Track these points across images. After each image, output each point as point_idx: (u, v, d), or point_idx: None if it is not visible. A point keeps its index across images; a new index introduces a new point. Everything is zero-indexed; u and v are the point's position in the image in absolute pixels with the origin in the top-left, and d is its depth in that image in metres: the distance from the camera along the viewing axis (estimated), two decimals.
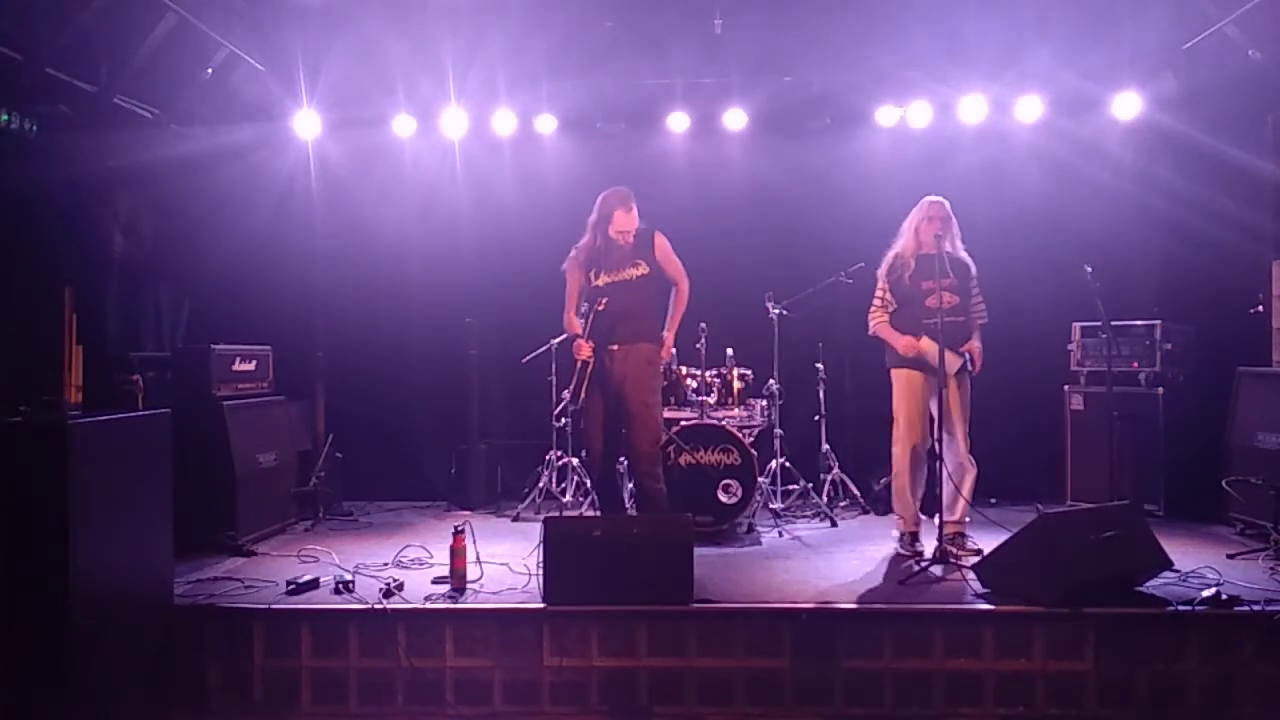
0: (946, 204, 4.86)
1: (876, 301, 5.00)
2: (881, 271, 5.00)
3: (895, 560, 4.86)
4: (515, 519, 6.06)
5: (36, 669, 3.31)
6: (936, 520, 4.74)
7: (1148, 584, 4.19)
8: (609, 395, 4.80)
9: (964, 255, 4.88)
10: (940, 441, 4.68)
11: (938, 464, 4.77)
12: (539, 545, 4.21)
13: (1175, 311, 6.16)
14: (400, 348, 6.92)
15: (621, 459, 5.17)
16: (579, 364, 4.78)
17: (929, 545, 4.76)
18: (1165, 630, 3.87)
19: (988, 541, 4.63)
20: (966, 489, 4.79)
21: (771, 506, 5.92)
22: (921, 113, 6.58)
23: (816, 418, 6.30)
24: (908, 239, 4.90)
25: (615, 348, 4.79)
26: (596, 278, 4.85)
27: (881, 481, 6.17)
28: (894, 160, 6.65)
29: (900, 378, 4.93)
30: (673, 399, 5.84)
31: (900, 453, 4.93)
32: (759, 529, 5.63)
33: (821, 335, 6.34)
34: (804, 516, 6.03)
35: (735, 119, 6.65)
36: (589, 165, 6.81)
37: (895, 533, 5.08)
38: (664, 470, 5.40)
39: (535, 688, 3.95)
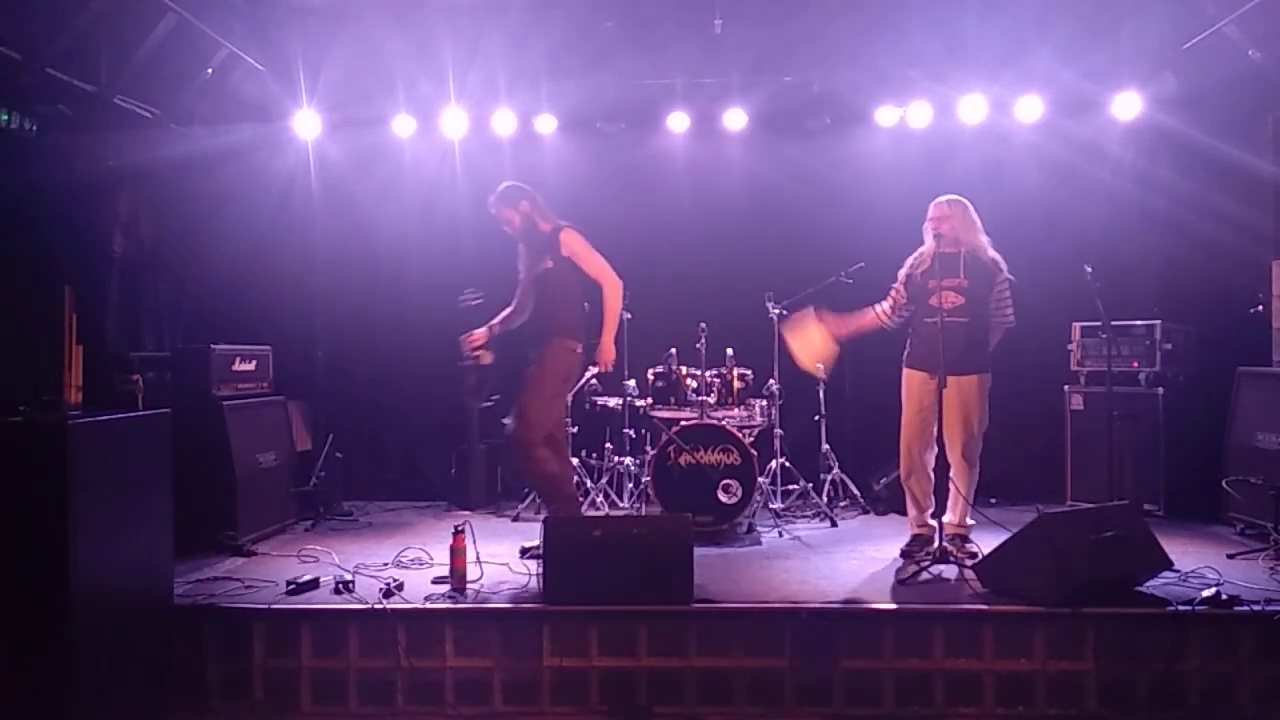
0: (945, 204, 4.84)
1: (891, 294, 5.00)
2: (903, 269, 4.98)
3: (895, 560, 4.86)
4: (515, 519, 6.06)
5: (36, 669, 3.30)
6: (938, 521, 4.74)
7: (1148, 584, 4.19)
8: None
9: (989, 255, 4.83)
10: (942, 442, 4.67)
11: (945, 464, 4.74)
12: (539, 545, 4.21)
13: (1175, 311, 6.16)
14: (400, 348, 6.92)
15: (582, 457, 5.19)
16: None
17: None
18: (1165, 630, 3.87)
19: (988, 541, 4.62)
20: (962, 495, 4.78)
21: (771, 506, 5.93)
22: (921, 113, 6.58)
23: (816, 418, 6.30)
24: (927, 240, 4.91)
25: (531, 343, 4.92)
26: (522, 271, 4.99)
27: (881, 481, 6.18)
28: (894, 160, 6.65)
29: (905, 376, 4.94)
30: (673, 399, 5.85)
31: (901, 450, 4.93)
32: (759, 529, 5.63)
33: None
34: (804, 516, 6.03)
35: (735, 119, 6.65)
36: (589, 165, 6.82)
37: None
38: (665, 470, 5.43)
39: (535, 688, 3.95)
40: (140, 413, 4.01)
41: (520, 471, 4.90)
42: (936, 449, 4.79)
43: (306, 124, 6.62)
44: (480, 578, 4.43)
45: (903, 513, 5.17)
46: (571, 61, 6.32)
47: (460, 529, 4.42)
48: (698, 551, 4.19)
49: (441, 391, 6.85)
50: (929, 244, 4.87)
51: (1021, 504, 6.06)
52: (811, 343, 4.99)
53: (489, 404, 5.04)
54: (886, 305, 4.99)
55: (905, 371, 4.94)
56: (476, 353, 4.96)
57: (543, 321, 4.90)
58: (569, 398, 6.16)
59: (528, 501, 6.23)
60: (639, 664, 3.95)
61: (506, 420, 4.93)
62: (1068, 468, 6.25)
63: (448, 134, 6.74)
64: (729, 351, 5.96)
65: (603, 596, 4.00)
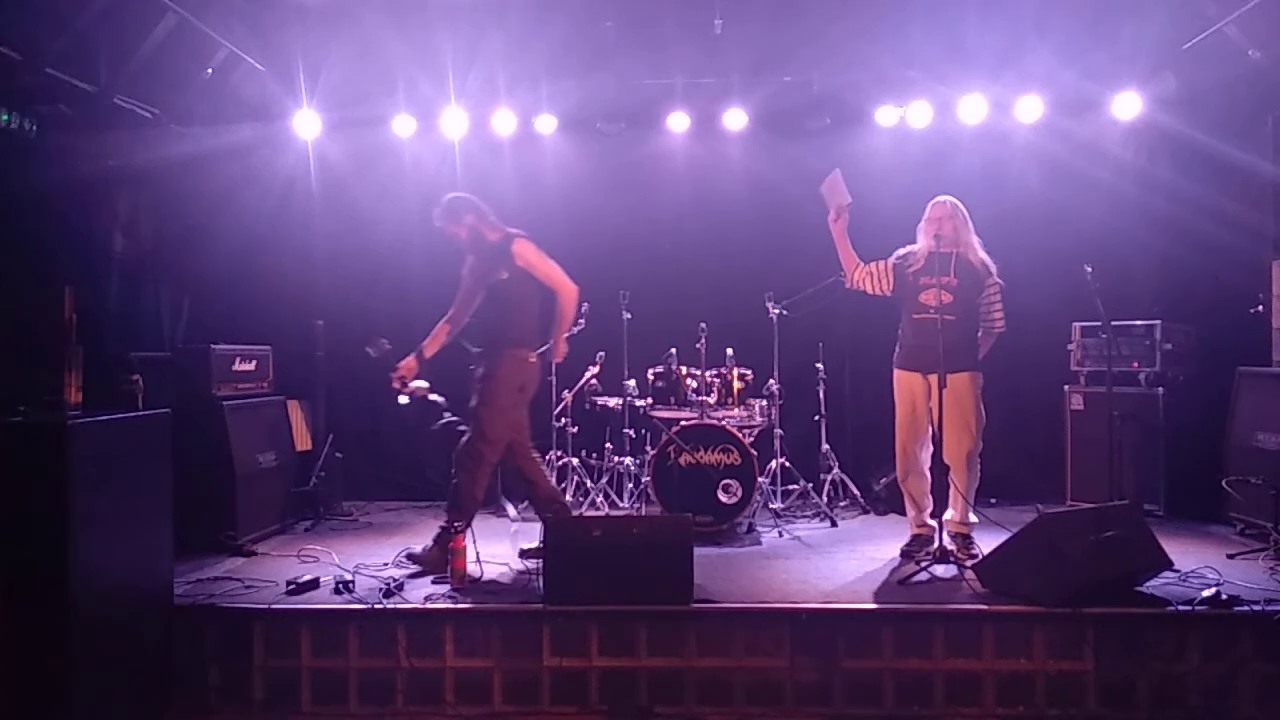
0: (948, 204, 4.83)
1: (874, 263, 4.97)
2: (894, 254, 4.96)
3: (895, 560, 4.86)
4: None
5: (37, 669, 3.31)
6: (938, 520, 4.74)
7: (1148, 584, 4.19)
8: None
9: (979, 257, 4.83)
10: (939, 442, 4.66)
11: (943, 465, 4.74)
12: (539, 545, 4.21)
13: (1175, 311, 6.16)
14: (400, 348, 6.90)
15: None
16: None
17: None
18: (1165, 630, 3.87)
19: (988, 541, 4.63)
20: (968, 491, 4.78)
21: (771, 506, 5.93)
22: (921, 113, 6.58)
23: (816, 418, 6.30)
24: (919, 240, 4.90)
25: (479, 351, 4.85)
26: (481, 280, 4.90)
27: (881, 481, 6.18)
28: (894, 160, 6.66)
29: (896, 378, 4.93)
30: (673, 399, 5.86)
31: (897, 452, 4.93)
32: (759, 529, 5.63)
33: (821, 335, 6.35)
34: (804, 516, 6.03)
35: (735, 119, 6.65)
36: (589, 165, 6.83)
37: None
38: (665, 470, 5.43)
39: (535, 688, 3.95)
40: (140, 413, 4.01)
41: (456, 478, 4.74)
42: (931, 448, 4.79)
43: (306, 124, 6.62)
44: (480, 578, 4.43)
45: (903, 513, 5.18)
46: (571, 61, 6.33)
47: (460, 529, 4.43)
48: (698, 551, 4.19)
49: (441, 392, 6.85)
50: (924, 244, 4.85)
51: (1021, 504, 6.05)
52: (841, 192, 4.89)
53: (449, 421, 4.98)
54: (864, 268, 4.96)
55: (896, 373, 4.94)
56: (411, 388, 4.85)
57: (495, 332, 4.80)
58: (568, 398, 6.20)
59: (527, 502, 6.21)
60: (639, 664, 3.95)
61: (463, 427, 4.87)
62: (1068, 468, 6.24)
63: (448, 134, 6.74)
64: (729, 351, 5.96)
65: (603, 596, 4.00)
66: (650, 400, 5.96)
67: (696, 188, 6.89)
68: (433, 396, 4.94)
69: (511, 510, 5.92)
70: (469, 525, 4.67)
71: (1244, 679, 3.83)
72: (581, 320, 6.15)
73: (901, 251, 4.96)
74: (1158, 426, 5.87)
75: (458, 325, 4.98)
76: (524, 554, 4.83)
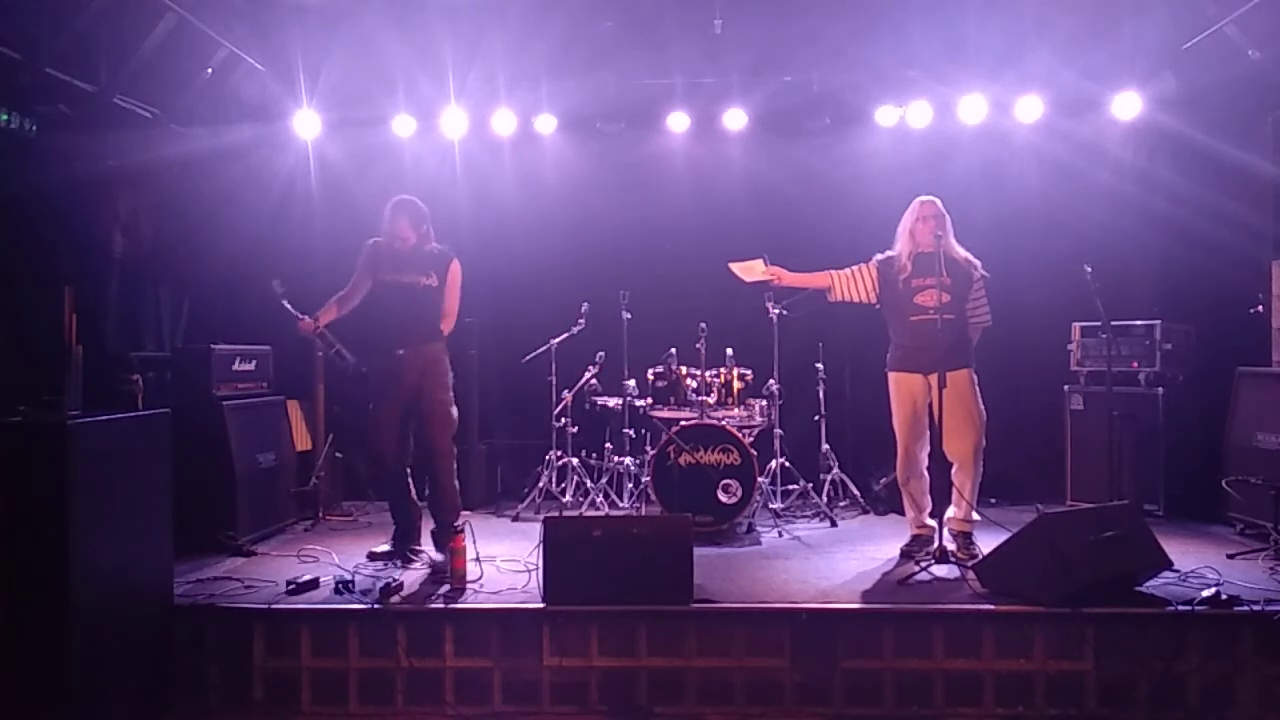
0: (938, 202, 4.83)
1: (857, 268, 4.97)
2: (875, 259, 4.95)
3: (895, 560, 4.86)
4: (515, 519, 6.06)
5: (36, 669, 3.31)
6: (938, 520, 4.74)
7: (1148, 584, 4.19)
8: (402, 398, 4.84)
9: (963, 254, 4.83)
10: (938, 441, 4.66)
11: (939, 461, 4.74)
12: (539, 545, 4.21)
13: (1175, 311, 6.15)
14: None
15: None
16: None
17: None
18: (1165, 630, 3.87)
19: (988, 541, 4.63)
20: (968, 490, 4.78)
21: (771, 506, 5.92)
22: (921, 113, 6.58)
23: (816, 418, 6.30)
24: (903, 243, 4.87)
25: (402, 351, 4.83)
26: (385, 275, 4.92)
27: (881, 481, 6.19)
28: (894, 160, 6.66)
29: (893, 380, 4.92)
30: (673, 399, 5.86)
31: (898, 454, 4.93)
32: (759, 529, 5.63)
33: (821, 335, 6.35)
34: (804, 516, 6.03)
35: (735, 119, 6.65)
36: (589, 165, 6.84)
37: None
38: (665, 470, 5.43)
39: (535, 688, 3.96)
40: (140, 413, 4.02)
41: (444, 487, 4.91)
42: (929, 447, 4.79)
43: (306, 124, 6.62)
44: (480, 578, 4.44)
45: (902, 513, 5.17)
46: (571, 61, 6.33)
47: (460, 529, 4.43)
48: (698, 551, 4.19)
49: None
50: (908, 245, 4.82)
51: (1021, 504, 6.06)
52: (750, 269, 5.14)
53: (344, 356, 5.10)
54: (844, 275, 4.97)
55: (892, 376, 4.92)
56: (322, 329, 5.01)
57: (425, 328, 4.88)
58: (568, 398, 6.20)
59: (528, 501, 6.23)
60: (639, 664, 3.95)
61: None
62: (1068, 468, 6.24)
63: (448, 134, 6.74)
64: (729, 351, 5.96)
65: (603, 596, 4.00)
66: (650, 400, 5.96)
67: (696, 188, 6.89)
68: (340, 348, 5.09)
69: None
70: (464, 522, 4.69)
71: (1244, 679, 3.83)
72: (582, 320, 6.17)
73: (880, 257, 4.94)
74: (1157, 426, 5.87)
75: (343, 307, 5.05)
76: (372, 556, 4.91)
